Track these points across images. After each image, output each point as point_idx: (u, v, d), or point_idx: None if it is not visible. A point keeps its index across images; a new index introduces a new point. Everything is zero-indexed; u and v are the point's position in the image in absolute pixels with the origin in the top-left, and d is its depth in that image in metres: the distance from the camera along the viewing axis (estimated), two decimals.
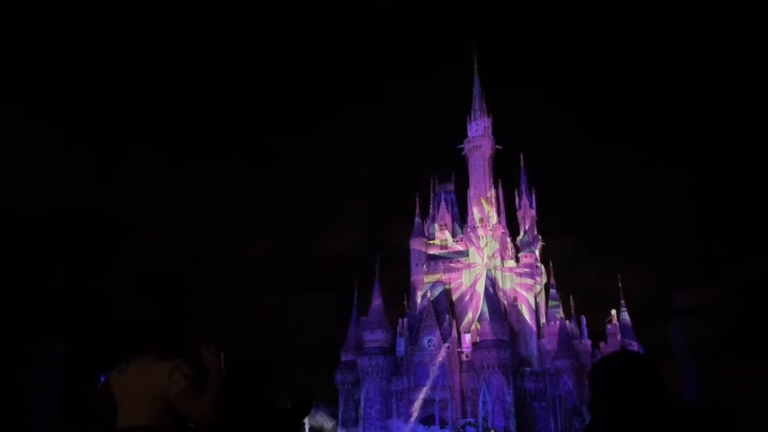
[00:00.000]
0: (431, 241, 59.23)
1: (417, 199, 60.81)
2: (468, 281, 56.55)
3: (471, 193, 59.16)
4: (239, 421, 3.99)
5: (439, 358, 51.14)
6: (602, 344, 53.53)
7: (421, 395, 50.57)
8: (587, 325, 55.67)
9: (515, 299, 56.35)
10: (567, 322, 53.66)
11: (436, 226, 59.82)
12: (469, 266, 56.82)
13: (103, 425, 3.25)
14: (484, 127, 60.63)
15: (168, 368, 3.08)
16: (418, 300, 56.02)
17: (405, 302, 57.77)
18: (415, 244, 58.92)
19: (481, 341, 50.77)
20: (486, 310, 51.73)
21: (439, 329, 52.15)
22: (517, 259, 57.93)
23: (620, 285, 56.52)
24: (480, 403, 48.57)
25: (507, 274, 57.03)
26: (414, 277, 58.21)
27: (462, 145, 61.03)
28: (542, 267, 58.62)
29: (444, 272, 57.20)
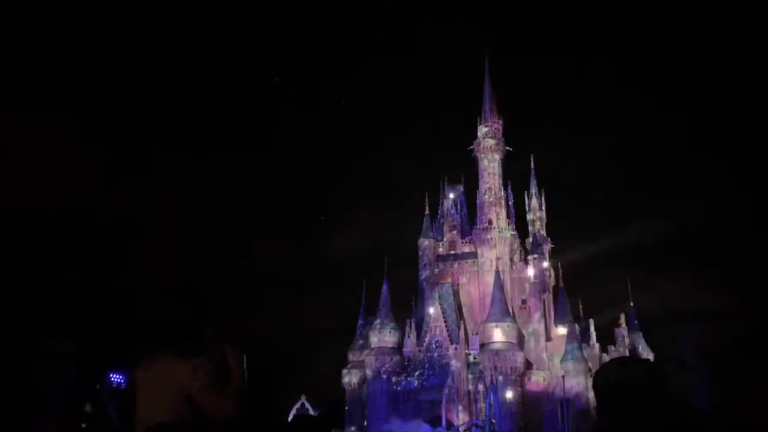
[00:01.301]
0: (440, 242, 59.21)
1: (426, 200, 60.80)
2: (476, 283, 56.46)
3: (480, 194, 59.05)
4: (256, 421, 4.04)
5: (447, 360, 51.08)
6: (610, 348, 53.38)
7: (428, 396, 50.51)
8: (595, 329, 55.54)
9: (523, 301, 56.21)
10: (575, 325, 53.52)
11: (445, 227, 59.78)
12: (477, 268, 56.72)
13: (125, 421, 3.32)
14: (495, 128, 60.44)
15: (191, 365, 3.15)
16: (426, 301, 55.98)
17: (413, 303, 57.77)
18: (424, 245, 58.88)
19: (488, 343, 50.67)
20: (494, 311, 51.63)
21: (447, 330, 52.11)
22: (526, 262, 57.80)
23: (630, 289, 56.35)
24: (487, 405, 48.44)
25: (516, 276, 56.91)
26: (422, 278, 58.17)
27: (472, 147, 60.91)
28: (551, 269, 58.45)
29: (452, 273, 57.14)
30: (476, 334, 52.84)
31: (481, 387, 49.79)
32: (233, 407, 3.08)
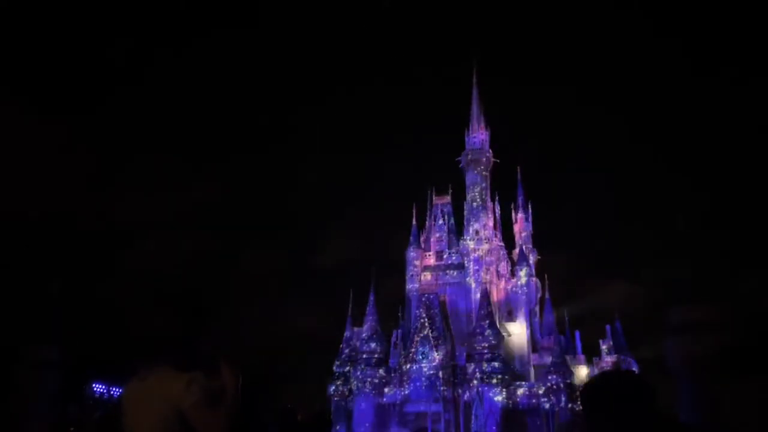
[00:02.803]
0: (427, 253, 59.21)
1: (414, 211, 60.88)
2: (463, 294, 56.47)
3: (468, 205, 59.21)
4: None
5: (433, 371, 50.94)
6: (596, 359, 53.50)
7: (414, 408, 50.32)
8: (581, 340, 55.67)
9: (509, 313, 56.26)
10: (561, 337, 53.61)
11: (433, 238, 59.81)
12: (464, 278, 56.79)
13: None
14: (482, 140, 60.76)
15: (185, 379, 3.09)
16: (413, 311, 55.89)
17: (399, 314, 57.67)
18: (411, 256, 58.88)
19: (475, 354, 50.61)
20: (480, 323, 51.61)
21: (433, 341, 51.98)
22: (513, 273, 57.91)
23: (616, 300, 56.60)
24: (473, 417, 48.35)
25: (502, 287, 57.01)
26: (409, 289, 58.12)
27: (459, 158, 61.14)
28: (537, 281, 58.62)
29: (439, 284, 57.12)
30: (463, 345, 52.78)
31: (467, 398, 49.68)
32: (224, 425, 3.02)
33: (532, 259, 59.58)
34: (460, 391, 50.27)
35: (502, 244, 59.28)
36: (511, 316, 56.02)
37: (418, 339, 52.34)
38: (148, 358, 3.30)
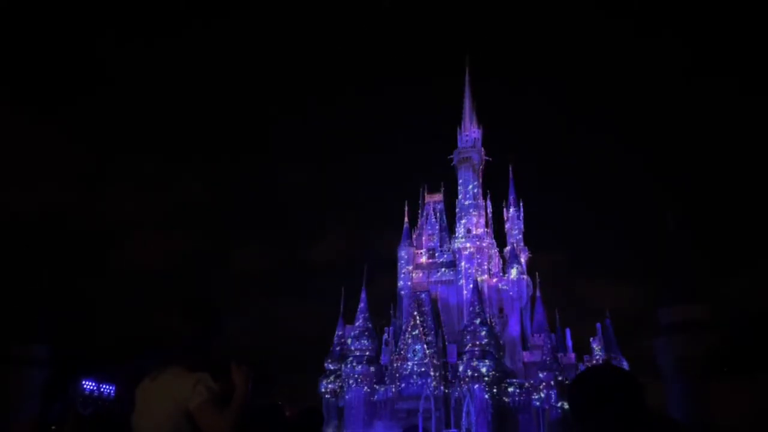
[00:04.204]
0: (419, 251, 59.28)
1: (406, 209, 60.89)
2: (455, 292, 56.60)
3: (460, 204, 59.32)
4: None
5: (424, 368, 51.03)
6: (586, 357, 53.74)
7: (405, 405, 50.38)
8: (572, 338, 55.92)
9: (501, 311, 56.42)
10: (552, 334, 53.81)
11: (425, 235, 59.89)
12: (455, 276, 56.92)
13: (124, 429, 3.32)
14: (474, 138, 60.90)
15: (193, 379, 3.11)
16: (405, 309, 55.95)
17: (391, 311, 57.72)
18: (403, 253, 58.94)
19: (466, 352, 50.73)
20: (471, 321, 51.72)
21: (425, 339, 52.06)
22: (504, 271, 58.07)
23: (606, 298, 56.80)
24: (464, 414, 48.45)
25: (493, 285, 57.15)
26: (401, 286, 58.19)
27: (452, 156, 61.23)
28: (528, 279, 58.80)
29: (431, 282, 57.22)
30: (454, 342, 52.89)
31: (458, 396, 49.77)
32: (231, 425, 3.01)
33: (523, 257, 59.76)
34: (451, 388, 50.37)
35: (493, 242, 59.45)
36: (501, 314, 56.18)
37: (410, 336, 52.41)
38: (159, 358, 3.32)
